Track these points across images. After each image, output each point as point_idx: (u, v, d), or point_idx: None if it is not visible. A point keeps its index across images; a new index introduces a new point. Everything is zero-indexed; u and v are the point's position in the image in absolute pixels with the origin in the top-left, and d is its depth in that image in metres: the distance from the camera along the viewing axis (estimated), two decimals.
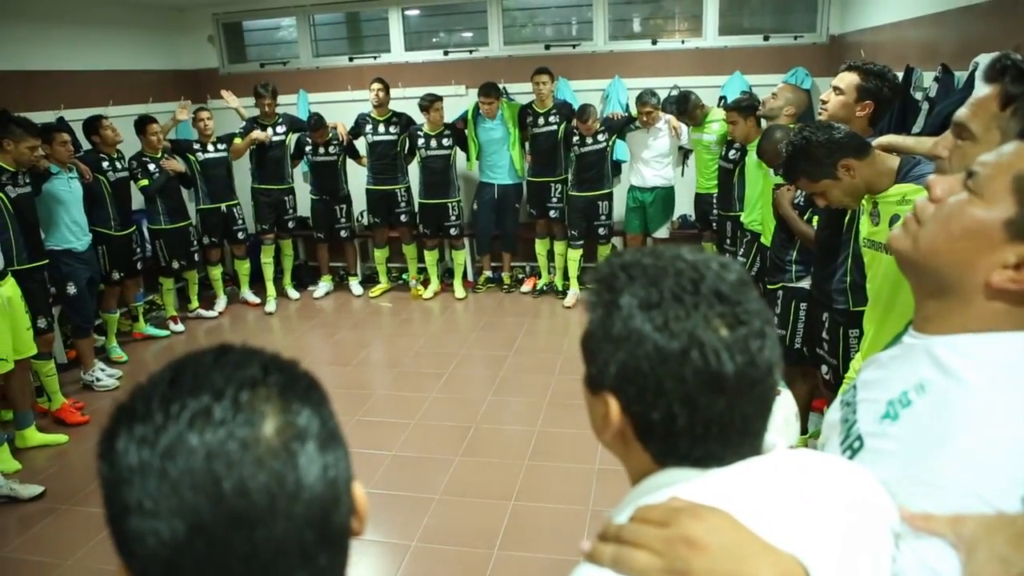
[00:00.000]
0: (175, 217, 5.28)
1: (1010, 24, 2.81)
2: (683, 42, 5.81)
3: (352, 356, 4.93)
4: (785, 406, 1.72)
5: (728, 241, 4.55)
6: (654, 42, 5.85)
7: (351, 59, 6.43)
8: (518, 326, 5.27)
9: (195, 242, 5.50)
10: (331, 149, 5.79)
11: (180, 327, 5.45)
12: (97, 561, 2.76)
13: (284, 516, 0.50)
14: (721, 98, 5.32)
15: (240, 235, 5.80)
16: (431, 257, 6.01)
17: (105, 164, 4.69)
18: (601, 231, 5.56)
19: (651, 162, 5.28)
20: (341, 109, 6.00)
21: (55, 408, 4.02)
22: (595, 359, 0.67)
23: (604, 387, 0.66)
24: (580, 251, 5.64)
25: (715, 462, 0.65)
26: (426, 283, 6.10)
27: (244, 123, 5.68)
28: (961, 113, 1.26)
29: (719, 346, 0.62)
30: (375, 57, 6.35)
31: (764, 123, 3.65)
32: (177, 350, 5.04)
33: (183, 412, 0.50)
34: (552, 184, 5.63)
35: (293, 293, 6.14)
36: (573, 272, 5.70)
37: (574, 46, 5.99)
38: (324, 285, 6.20)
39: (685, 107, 4.82)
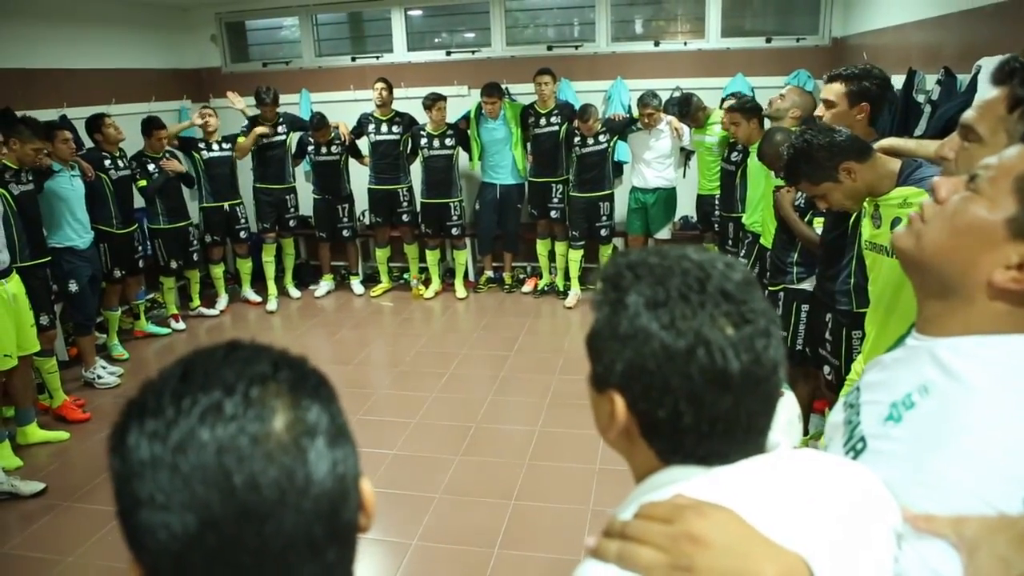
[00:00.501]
0: (174, 217, 5.28)
1: (1012, 28, 2.81)
2: (685, 44, 5.81)
3: (353, 355, 4.93)
4: (789, 408, 1.71)
5: (730, 242, 4.55)
6: (656, 43, 5.84)
7: (353, 59, 6.43)
8: (519, 326, 5.27)
9: (194, 242, 5.50)
10: (333, 149, 5.79)
11: (181, 325, 5.45)
12: (98, 558, 2.76)
13: (294, 510, 0.50)
14: (723, 100, 5.33)
15: (243, 234, 5.81)
16: (432, 257, 6.01)
17: (107, 162, 4.69)
18: (603, 232, 5.56)
19: (653, 163, 5.27)
20: (343, 109, 6.01)
21: (56, 405, 4.03)
22: (601, 357, 0.67)
23: (610, 385, 0.66)
24: (581, 252, 5.64)
25: (720, 460, 0.66)
26: (427, 283, 6.10)
27: (246, 122, 5.69)
28: (968, 115, 1.26)
29: (725, 344, 0.62)
30: (377, 57, 6.35)
31: (767, 124, 3.65)
32: (178, 348, 5.06)
33: (194, 407, 0.50)
34: (553, 185, 5.64)
35: (294, 292, 6.15)
36: (574, 273, 5.71)
37: (576, 47, 5.99)
38: (325, 284, 6.20)
39: (687, 109, 4.82)
